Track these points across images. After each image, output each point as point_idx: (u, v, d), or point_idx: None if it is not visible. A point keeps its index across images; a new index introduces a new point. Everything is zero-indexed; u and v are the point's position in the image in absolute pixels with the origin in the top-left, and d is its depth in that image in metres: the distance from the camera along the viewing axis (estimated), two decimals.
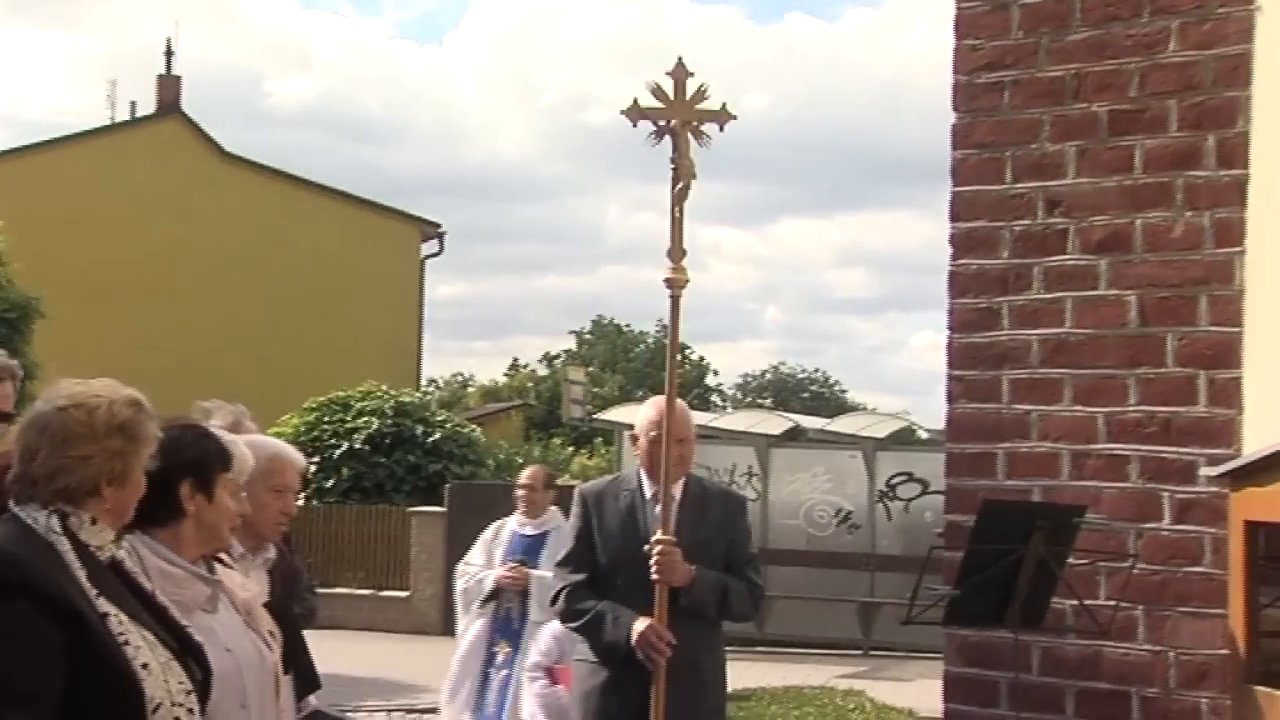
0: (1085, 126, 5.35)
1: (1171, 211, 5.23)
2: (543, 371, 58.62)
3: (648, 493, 6.23)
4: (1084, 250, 5.33)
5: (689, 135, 5.95)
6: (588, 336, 63.14)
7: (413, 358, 37.53)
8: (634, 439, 6.40)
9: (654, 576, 5.89)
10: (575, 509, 6.42)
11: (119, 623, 3.60)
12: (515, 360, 63.47)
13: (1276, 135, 5.06)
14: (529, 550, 9.69)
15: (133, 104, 37.53)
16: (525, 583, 9.56)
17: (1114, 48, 5.34)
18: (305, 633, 5.40)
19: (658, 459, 6.04)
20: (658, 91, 6.03)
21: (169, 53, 36.51)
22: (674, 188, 6.01)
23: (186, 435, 4.36)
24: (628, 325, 62.97)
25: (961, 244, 5.52)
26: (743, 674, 11.67)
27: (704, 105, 5.95)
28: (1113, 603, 5.22)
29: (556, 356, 60.60)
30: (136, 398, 3.84)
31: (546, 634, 8.50)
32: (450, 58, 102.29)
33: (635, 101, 6.01)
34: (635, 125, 6.01)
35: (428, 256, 38.32)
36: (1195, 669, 5.14)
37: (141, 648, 3.61)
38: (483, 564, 9.81)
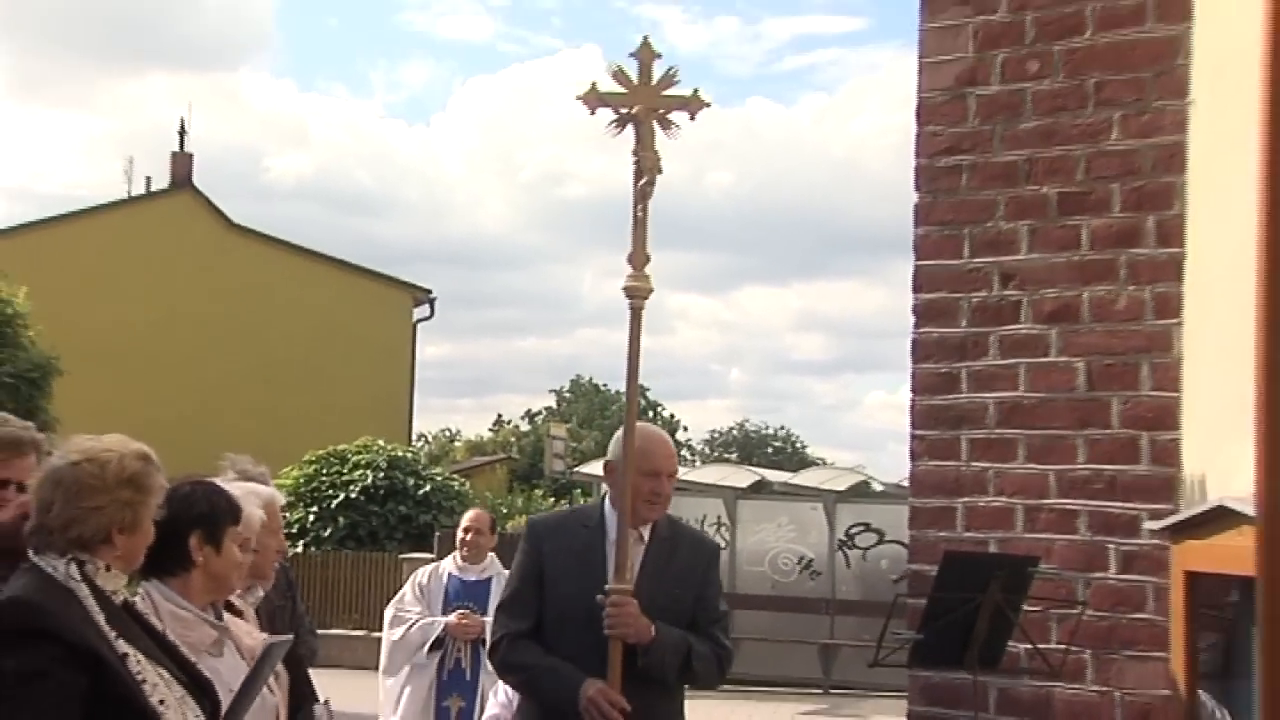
0: (1036, 207, 5.38)
1: (1116, 285, 5.26)
2: (525, 427, 58.59)
3: (611, 532, 5.08)
4: (1036, 320, 5.34)
5: (654, 125, 5.06)
6: (566, 395, 63.23)
7: (404, 414, 37.51)
8: (608, 469, 5.28)
9: (607, 631, 4.89)
10: (524, 544, 5.28)
11: (136, 662, 3.60)
12: (499, 416, 63.77)
13: (1208, 217, 5.09)
14: (471, 596, 8.74)
15: (148, 179, 37.89)
16: (479, 630, 8.42)
17: (1062, 135, 5.38)
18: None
19: (634, 496, 5.03)
20: (619, 75, 5.08)
21: (182, 131, 36.74)
22: (636, 184, 5.04)
23: (197, 491, 4.38)
24: (604, 384, 63.02)
25: (924, 313, 5.53)
26: (710, 712, 11.65)
27: (672, 91, 5.11)
28: (1063, 646, 5.21)
29: (538, 413, 60.60)
30: (144, 451, 3.85)
31: (504, 685, 6.87)
32: (437, 137, 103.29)
33: (594, 86, 5.10)
34: (594, 113, 5.09)
35: (419, 320, 38.44)
36: (1140, 708, 5.13)
37: (158, 685, 3.62)
38: (420, 610, 8.72)
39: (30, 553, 3.76)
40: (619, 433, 5.21)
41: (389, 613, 8.88)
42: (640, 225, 5.07)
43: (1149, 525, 5.09)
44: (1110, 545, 5.22)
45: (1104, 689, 5.20)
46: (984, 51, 5.53)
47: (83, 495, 3.72)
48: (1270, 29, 3.09)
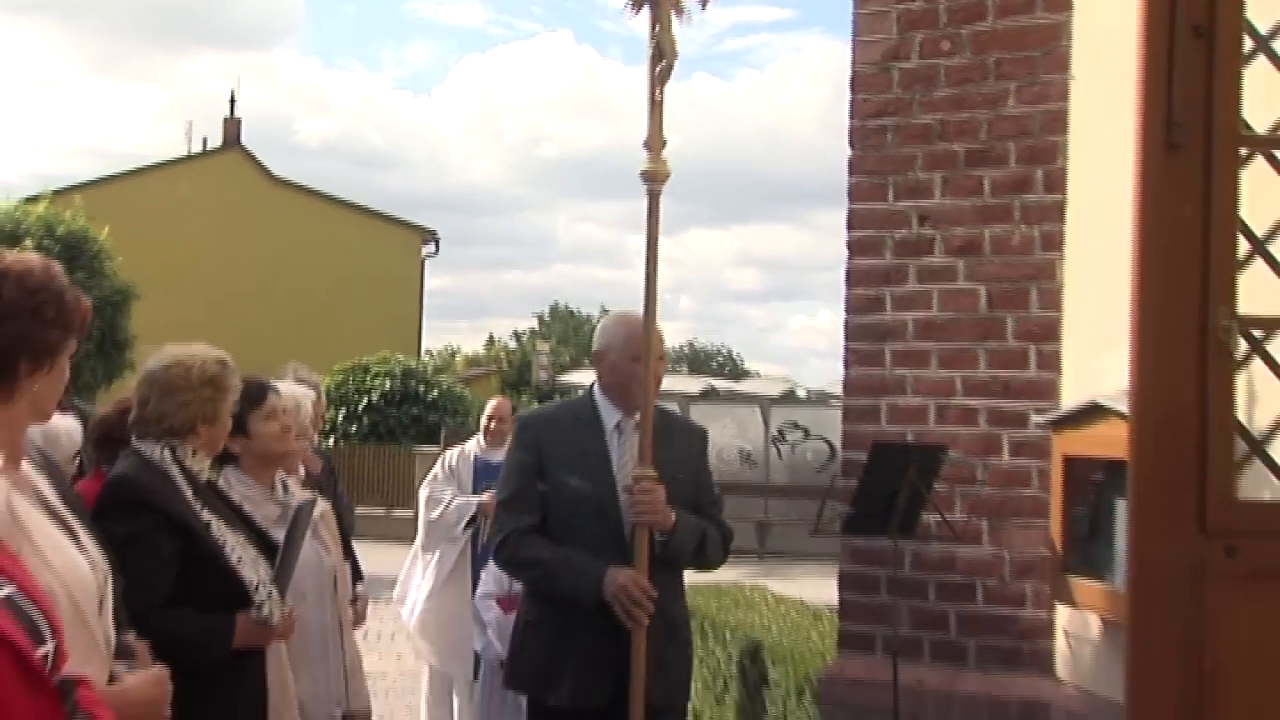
0: (948, 160, 5.39)
1: (1011, 225, 5.28)
2: (512, 345, 58.34)
3: (608, 422, 4.45)
4: (947, 253, 5.36)
5: (671, 10, 4.33)
6: (546, 319, 63.00)
7: (414, 333, 37.51)
8: (598, 357, 4.56)
9: (635, 519, 4.19)
10: (519, 441, 4.55)
11: (218, 529, 3.64)
12: (491, 336, 63.42)
13: (1085, 169, 5.11)
14: (495, 476, 7.23)
15: (204, 140, 38.12)
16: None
17: (968, 102, 5.37)
18: None
19: (629, 381, 4.38)
20: None
21: (232, 100, 36.97)
22: (653, 68, 4.31)
23: None
24: (578, 310, 63.22)
25: (855, 248, 5.53)
26: None
27: None
28: (965, 517, 5.29)
29: (523, 333, 60.39)
30: (222, 357, 3.88)
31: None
32: (437, 106, 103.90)
33: None
34: None
35: (426, 256, 38.37)
36: (1023, 564, 5.20)
37: (235, 546, 3.66)
38: (453, 490, 7.98)
39: (132, 440, 3.79)
40: (606, 321, 4.63)
41: (423, 493, 8.16)
42: (657, 109, 4.31)
43: (1035, 419, 5.14)
44: (1004, 435, 5.26)
45: (996, 550, 5.26)
46: (905, 32, 5.51)
47: (173, 392, 3.75)
48: (1144, 16, 3.12)
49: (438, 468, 8.25)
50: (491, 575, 6.57)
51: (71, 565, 2.45)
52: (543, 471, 4.38)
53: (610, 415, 4.49)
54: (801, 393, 23.85)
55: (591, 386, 4.63)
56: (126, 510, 3.42)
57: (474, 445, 8.25)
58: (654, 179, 4.33)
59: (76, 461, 4.35)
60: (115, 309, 19.90)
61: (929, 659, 5.26)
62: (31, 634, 2.00)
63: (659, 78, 4.30)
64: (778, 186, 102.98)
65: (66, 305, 2.54)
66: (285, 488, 4.45)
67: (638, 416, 4.36)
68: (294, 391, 4.96)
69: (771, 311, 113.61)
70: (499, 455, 7.76)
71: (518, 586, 5.46)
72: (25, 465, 2.56)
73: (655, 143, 4.31)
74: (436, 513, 7.90)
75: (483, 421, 8.36)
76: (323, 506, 4.72)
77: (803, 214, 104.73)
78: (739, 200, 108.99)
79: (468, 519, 7.76)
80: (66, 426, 4.14)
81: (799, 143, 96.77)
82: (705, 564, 4.55)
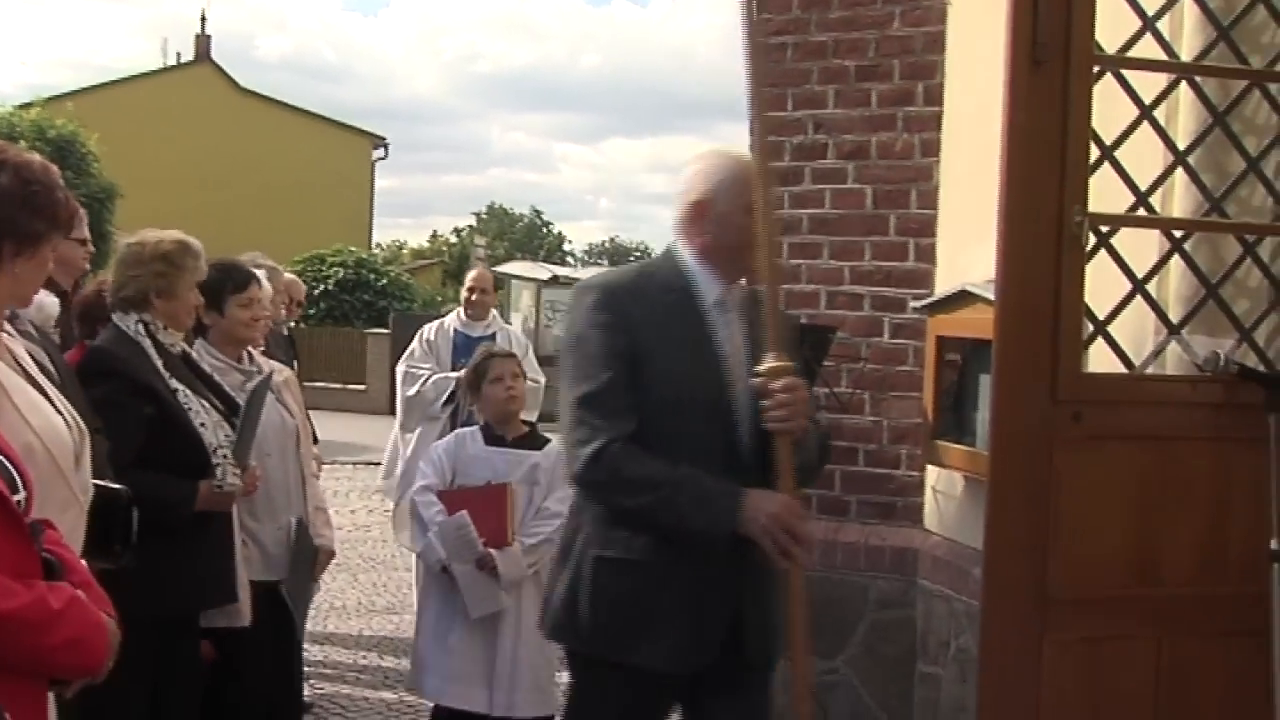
0: (840, 75, 5.34)
1: (894, 133, 5.25)
2: (453, 239, 57.79)
3: (708, 294, 3.00)
4: (838, 157, 5.35)
5: None
6: (484, 216, 62.53)
7: (366, 228, 37.19)
8: (696, 209, 3.00)
9: (776, 425, 2.81)
10: (601, 314, 2.93)
11: (185, 395, 3.60)
12: (435, 231, 62.84)
13: (959, 86, 5.10)
14: (476, 350, 6.06)
15: (178, 54, 38.00)
16: None
17: (858, 23, 5.31)
18: None
19: (743, 239, 2.91)
20: None
21: (203, 18, 37.28)
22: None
23: (208, 270, 4.24)
24: (511, 208, 63.12)
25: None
26: None
27: None
28: (850, 390, 5.33)
29: (462, 229, 59.78)
30: (182, 239, 3.81)
31: (438, 450, 4.90)
32: (383, 25, 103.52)
33: None
34: None
35: (376, 159, 38.06)
36: (900, 431, 5.27)
37: (199, 411, 3.61)
38: (431, 366, 6.86)
39: (112, 315, 3.73)
40: (705, 163, 3.06)
41: (400, 369, 7.00)
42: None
43: (913, 304, 5.16)
44: (885, 319, 5.29)
45: (876, 418, 5.32)
46: None
47: (128, 265, 3.72)
48: None
49: (415, 343, 7.07)
50: (431, 464, 4.85)
51: (49, 424, 2.42)
52: (636, 359, 2.89)
53: (709, 287, 3.01)
54: None
55: (669, 251, 3.11)
56: (100, 376, 3.39)
57: (453, 319, 7.15)
58: None
59: (56, 334, 4.27)
60: (101, 205, 19.92)
61: (816, 513, 5.33)
62: (8, 483, 1.99)
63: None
64: (687, 101, 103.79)
65: (56, 200, 2.51)
66: (251, 358, 4.39)
67: (741, 290, 3.08)
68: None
69: None
70: (480, 329, 7.03)
71: (461, 480, 4.73)
72: (4, 336, 2.50)
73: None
74: (414, 389, 6.83)
75: (462, 294, 7.27)
76: (287, 374, 4.65)
77: (708, 126, 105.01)
78: (652, 113, 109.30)
79: (446, 395, 6.70)
80: (41, 300, 4.05)
81: (705, 63, 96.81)
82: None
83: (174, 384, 3.62)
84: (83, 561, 2.27)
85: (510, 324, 7.58)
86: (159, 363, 3.62)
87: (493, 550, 4.61)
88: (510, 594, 4.67)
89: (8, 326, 2.59)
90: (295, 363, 6.85)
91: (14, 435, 2.20)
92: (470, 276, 7.36)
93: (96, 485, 2.58)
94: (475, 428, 5.00)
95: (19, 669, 2.00)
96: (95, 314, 4.00)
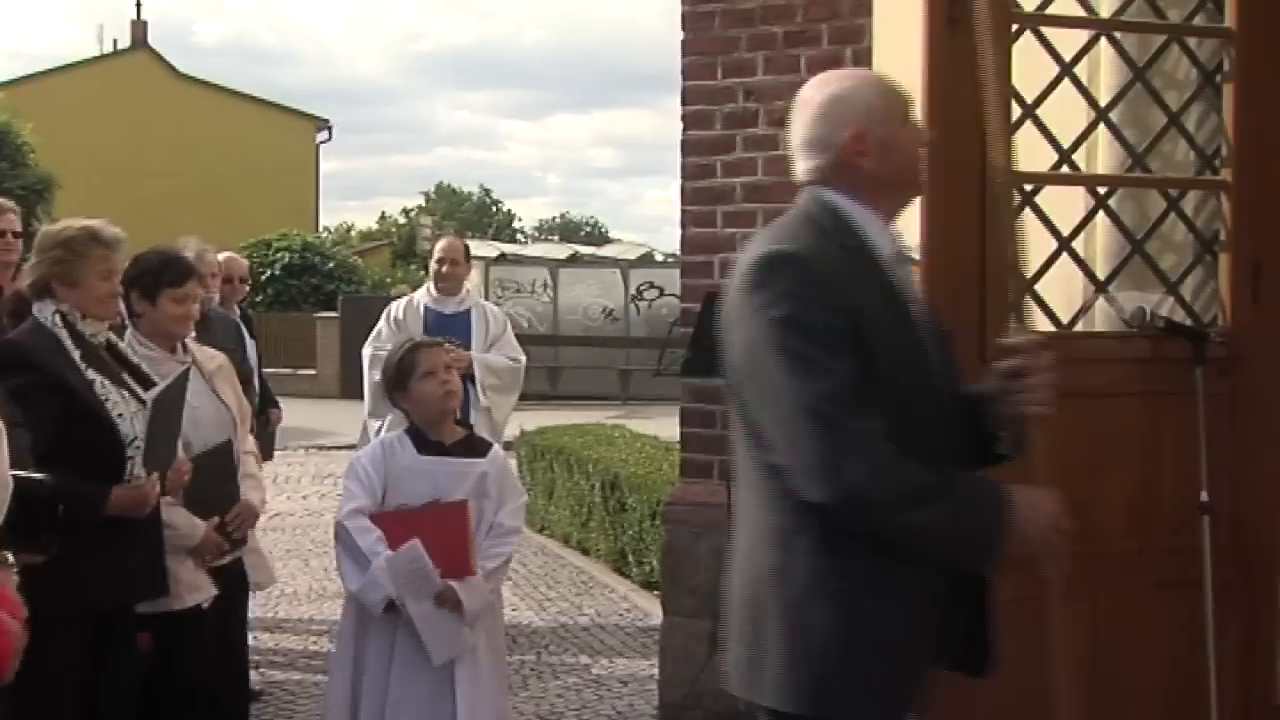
0: (769, 41, 5.29)
1: None
2: (401, 220, 57.41)
3: (884, 247, 2.44)
4: (769, 124, 5.29)
5: None
6: (432, 196, 62.26)
7: (312, 212, 36.96)
8: (854, 142, 2.44)
9: (1029, 408, 2.42)
10: (811, 294, 2.28)
11: (102, 386, 3.52)
12: (383, 213, 62.26)
13: (887, 48, 5.03)
14: (450, 329, 6.00)
15: (114, 41, 37.45)
16: (465, 365, 5.79)
17: None
18: None
19: (914, 158, 2.50)
20: None
21: (138, 4, 37.03)
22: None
23: (144, 258, 4.12)
24: (459, 187, 62.89)
25: (690, 120, 5.44)
26: (539, 419, 11.78)
27: None
28: None
29: (410, 210, 59.36)
30: (91, 226, 3.68)
31: (362, 463, 4.02)
32: (323, 6, 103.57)
33: None
34: None
35: (321, 142, 37.93)
36: None
37: (118, 403, 3.52)
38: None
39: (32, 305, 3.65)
40: (839, 87, 2.51)
41: (367, 351, 6.32)
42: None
43: None
44: None
45: None
46: None
47: (35, 252, 3.67)
48: None
49: (382, 322, 6.42)
50: (357, 480, 3.95)
51: None
52: (858, 342, 2.28)
53: (880, 237, 2.45)
54: (659, 256, 23.83)
55: (817, 195, 2.50)
56: (7, 369, 3.31)
57: (423, 294, 6.46)
58: None
59: None
60: (39, 196, 19.69)
61: None
62: None
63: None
64: (631, 74, 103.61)
65: None
66: (184, 348, 4.28)
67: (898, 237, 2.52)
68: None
69: (629, 185, 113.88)
70: (453, 305, 6.35)
71: (395, 497, 3.93)
72: None
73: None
74: (379, 374, 6.08)
75: (431, 266, 6.49)
76: (220, 360, 4.49)
77: (653, 99, 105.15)
78: (597, 87, 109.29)
79: None
80: None
81: (648, 35, 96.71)
82: None
83: (90, 375, 3.53)
84: None
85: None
86: (75, 354, 3.52)
87: (452, 582, 3.82)
88: (474, 629, 3.94)
89: None
90: (253, 343, 6.72)
91: None
92: (439, 246, 6.57)
93: (17, 477, 2.52)
94: (399, 432, 4.14)
95: None
96: (25, 309, 3.91)
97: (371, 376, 6.15)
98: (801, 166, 2.55)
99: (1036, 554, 2.35)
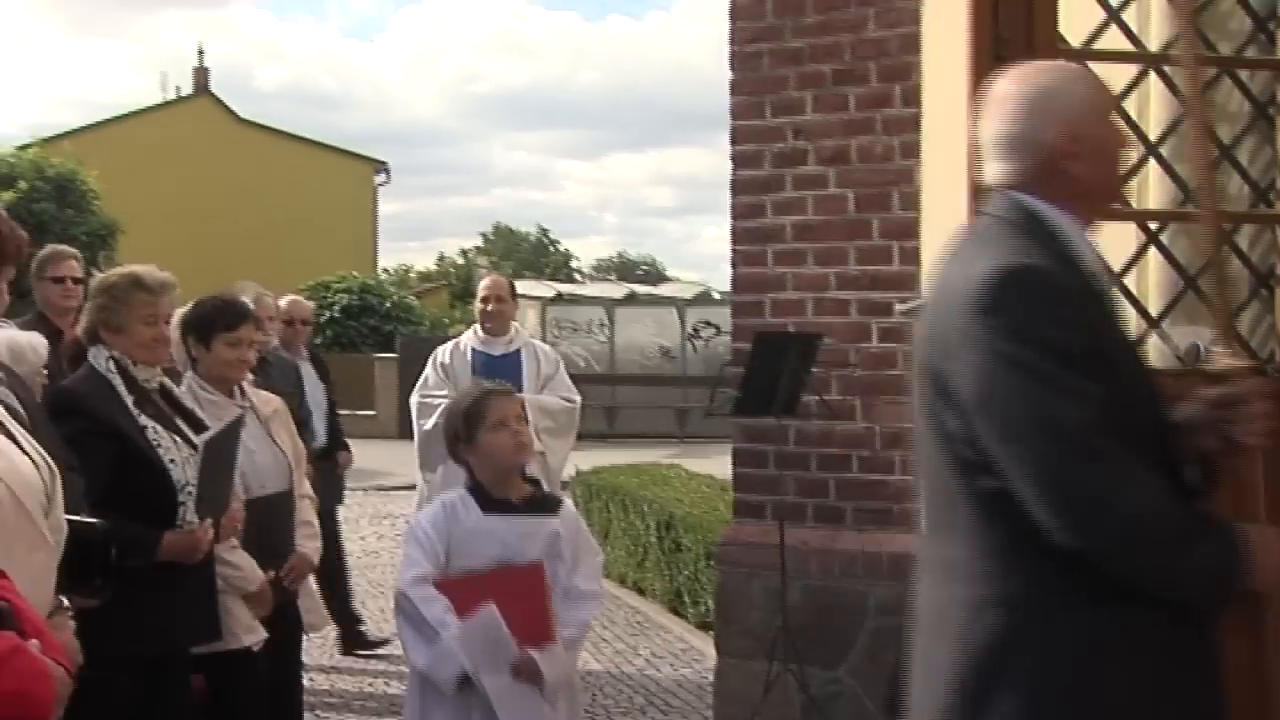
0: (817, 80, 5.31)
1: (874, 136, 5.22)
2: (460, 261, 57.94)
3: (1092, 261, 2.21)
4: (819, 162, 5.32)
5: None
6: (490, 237, 62.75)
7: (371, 254, 37.36)
8: (1067, 142, 2.17)
9: (1251, 438, 2.18)
10: (1043, 303, 2.04)
11: (155, 431, 3.54)
12: (441, 254, 63.01)
13: (936, 86, 5.04)
14: (499, 371, 5.51)
15: (178, 88, 37.90)
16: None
17: (833, 27, 5.28)
18: None
19: (1112, 156, 2.27)
20: None
21: (200, 52, 38.06)
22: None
23: (200, 305, 4.21)
24: (517, 227, 63.64)
25: (739, 160, 5.47)
26: (597, 458, 11.76)
27: None
28: (840, 397, 5.28)
29: (468, 251, 59.92)
30: (135, 272, 3.73)
31: (423, 527, 3.63)
32: (380, 50, 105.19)
33: None
34: None
35: (379, 184, 38.43)
36: (892, 436, 5.20)
37: (170, 448, 3.55)
38: (447, 393, 5.60)
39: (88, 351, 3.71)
40: (1040, 90, 2.21)
41: (414, 400, 6.01)
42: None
43: (899, 308, 5.10)
44: (873, 323, 5.25)
45: (868, 425, 5.27)
46: None
47: (88, 299, 3.71)
48: None
49: (429, 369, 6.12)
50: (418, 545, 3.58)
51: (13, 467, 2.38)
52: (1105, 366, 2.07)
53: (1084, 247, 2.21)
54: (716, 294, 23.84)
55: (1017, 201, 2.22)
56: (62, 416, 3.35)
57: (470, 337, 6.14)
58: None
59: (45, 374, 4.25)
60: (102, 242, 20.02)
61: (812, 522, 5.29)
62: None
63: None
64: (685, 113, 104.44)
65: (2, 236, 2.47)
66: (243, 392, 4.32)
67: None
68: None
69: (686, 224, 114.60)
70: (501, 346, 6.00)
71: (459, 561, 3.55)
72: None
73: None
74: (430, 423, 5.65)
75: (476, 306, 6.13)
76: (275, 404, 4.53)
77: (707, 137, 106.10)
78: (653, 127, 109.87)
79: None
80: (32, 342, 4.03)
81: (701, 74, 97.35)
82: None
83: (143, 420, 3.57)
84: (35, 609, 2.22)
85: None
86: (129, 399, 3.57)
87: (532, 651, 3.47)
88: (555, 707, 3.53)
89: None
90: (324, 386, 6.90)
91: None
92: (483, 284, 6.17)
93: (71, 521, 2.54)
94: (462, 490, 3.69)
95: None
96: (84, 354, 3.98)
97: (421, 426, 5.84)
98: (995, 168, 2.26)
99: (1266, 593, 2.13)
